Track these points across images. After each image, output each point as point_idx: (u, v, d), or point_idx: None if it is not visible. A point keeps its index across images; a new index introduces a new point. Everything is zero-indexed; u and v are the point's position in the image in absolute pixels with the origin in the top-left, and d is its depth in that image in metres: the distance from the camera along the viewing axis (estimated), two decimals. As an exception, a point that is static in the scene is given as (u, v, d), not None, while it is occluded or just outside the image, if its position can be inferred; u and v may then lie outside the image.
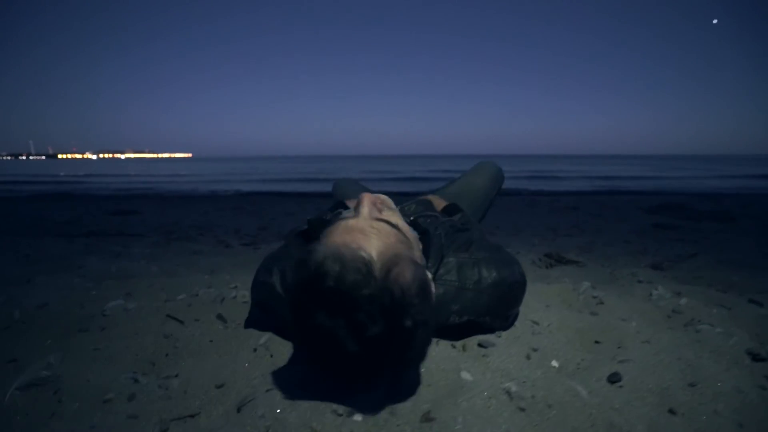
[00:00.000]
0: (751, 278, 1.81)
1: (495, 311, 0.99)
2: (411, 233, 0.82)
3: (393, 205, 0.88)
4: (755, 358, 0.88)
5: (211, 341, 1.02)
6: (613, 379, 0.79)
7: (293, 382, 0.76)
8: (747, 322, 1.18)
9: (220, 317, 1.22)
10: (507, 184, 2.15)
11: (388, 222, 0.76)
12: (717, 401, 0.72)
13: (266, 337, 1.03)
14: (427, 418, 0.64)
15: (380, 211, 0.80)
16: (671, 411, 0.70)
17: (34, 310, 1.17)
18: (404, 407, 0.67)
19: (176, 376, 0.83)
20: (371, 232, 0.71)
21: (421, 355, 0.71)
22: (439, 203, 1.62)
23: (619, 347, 0.98)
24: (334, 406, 0.67)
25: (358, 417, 0.66)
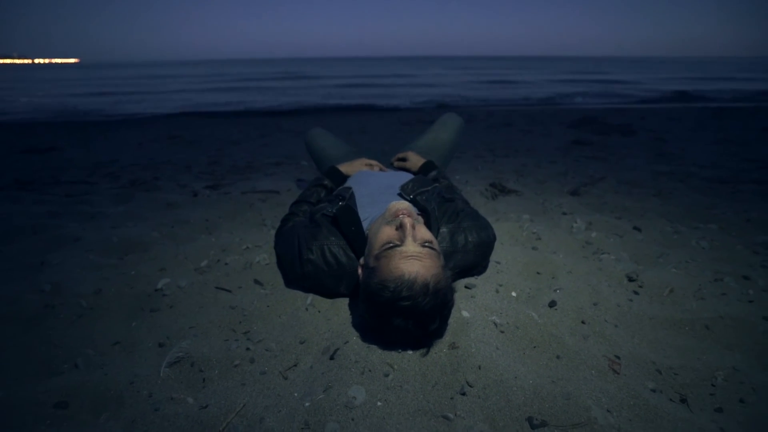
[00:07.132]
0: (638, 201, 2.47)
1: (478, 264, 1.41)
2: (436, 243, 1.13)
3: (415, 214, 1.19)
4: (629, 279, 1.43)
5: (268, 306, 1.32)
6: (552, 305, 1.27)
7: (359, 334, 1.12)
8: (631, 247, 1.77)
9: (257, 282, 1.50)
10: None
11: (429, 246, 1.06)
12: (606, 313, 1.25)
13: (310, 298, 1.35)
14: (453, 346, 1.06)
15: (414, 227, 1.08)
16: (583, 322, 1.21)
17: (92, 297, 1.35)
18: (436, 341, 1.09)
19: (261, 341, 1.15)
20: (423, 258, 1.02)
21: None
22: (417, 160, 1.94)
23: (552, 278, 1.48)
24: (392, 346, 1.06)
25: (410, 351, 1.06)
